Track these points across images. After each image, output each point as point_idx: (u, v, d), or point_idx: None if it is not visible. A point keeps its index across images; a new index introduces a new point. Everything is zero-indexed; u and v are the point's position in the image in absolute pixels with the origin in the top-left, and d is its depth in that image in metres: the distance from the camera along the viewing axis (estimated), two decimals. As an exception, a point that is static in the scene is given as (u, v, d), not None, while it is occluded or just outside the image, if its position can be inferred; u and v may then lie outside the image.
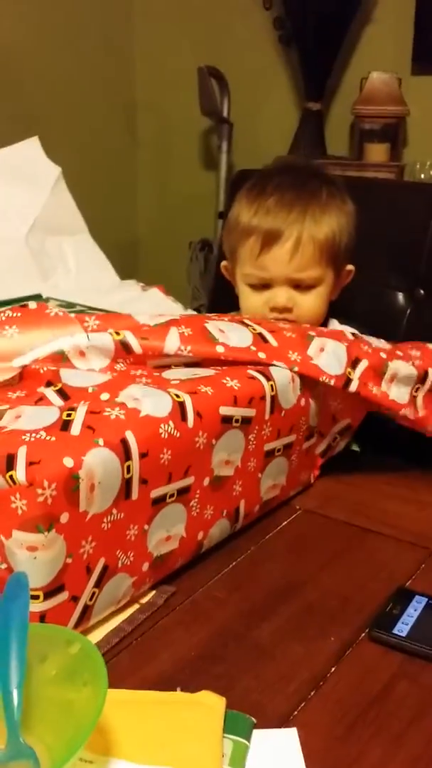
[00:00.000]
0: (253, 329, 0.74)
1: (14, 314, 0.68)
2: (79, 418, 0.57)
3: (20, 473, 0.51)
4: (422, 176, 2.04)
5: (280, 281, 0.92)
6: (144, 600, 0.60)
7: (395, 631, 0.57)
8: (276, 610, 0.60)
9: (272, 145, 2.24)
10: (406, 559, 0.67)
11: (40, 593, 0.52)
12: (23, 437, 0.54)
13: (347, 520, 0.72)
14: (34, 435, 0.54)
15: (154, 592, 0.61)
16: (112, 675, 0.51)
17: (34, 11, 2.22)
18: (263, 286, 0.93)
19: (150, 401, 0.60)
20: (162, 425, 0.59)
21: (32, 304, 0.70)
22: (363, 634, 0.57)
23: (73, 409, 0.58)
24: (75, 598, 0.55)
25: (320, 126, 2.24)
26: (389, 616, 0.58)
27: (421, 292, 1.16)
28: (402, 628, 0.57)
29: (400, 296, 1.16)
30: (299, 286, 0.93)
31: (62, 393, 0.62)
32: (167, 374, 0.68)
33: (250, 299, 0.95)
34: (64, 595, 0.54)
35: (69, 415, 0.57)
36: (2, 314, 0.68)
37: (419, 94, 2.12)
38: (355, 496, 0.77)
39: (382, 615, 0.58)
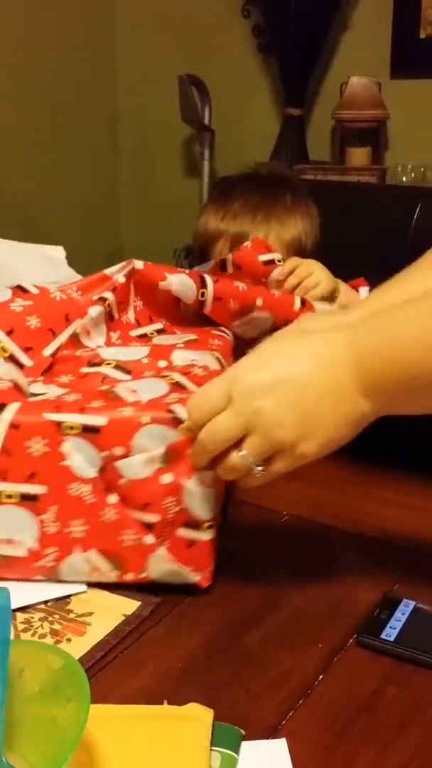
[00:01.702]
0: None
1: (26, 302, 0.69)
2: (181, 378, 0.62)
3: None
4: (404, 179, 2.05)
5: None
6: (129, 612, 0.59)
7: (383, 636, 0.56)
8: (264, 618, 0.60)
9: (254, 152, 2.24)
10: (394, 564, 0.66)
11: (213, 522, 0.60)
12: (165, 401, 0.59)
13: (335, 525, 0.72)
14: (171, 397, 0.59)
15: (139, 603, 0.60)
16: (98, 689, 0.51)
17: (14, 21, 2.22)
18: None
19: (199, 359, 0.67)
20: None
21: (33, 288, 0.71)
22: (351, 640, 0.57)
23: (163, 375, 0.63)
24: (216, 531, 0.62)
25: (301, 131, 2.25)
26: (377, 621, 0.57)
27: (404, 294, 1.16)
28: (390, 633, 0.56)
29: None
30: None
31: (121, 368, 0.65)
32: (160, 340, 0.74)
33: None
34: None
35: (171, 378, 0.63)
36: (14, 304, 0.68)
37: (399, 97, 2.13)
38: (342, 500, 0.77)
39: (370, 620, 0.58)
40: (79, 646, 0.55)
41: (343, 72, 2.17)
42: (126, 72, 2.55)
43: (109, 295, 0.72)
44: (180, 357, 0.68)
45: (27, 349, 0.67)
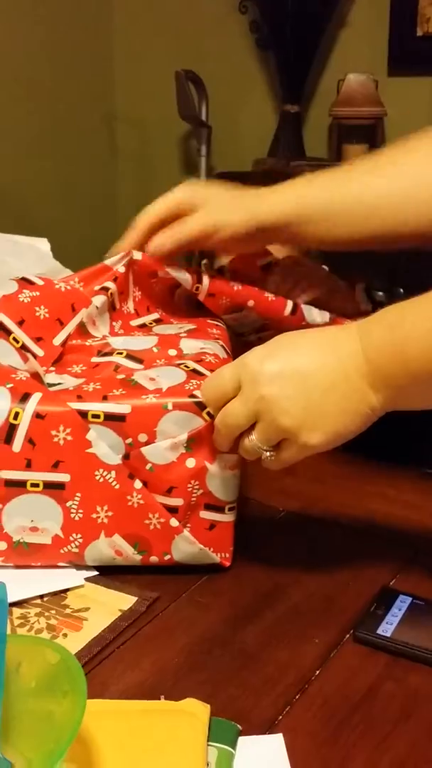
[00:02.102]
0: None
1: (33, 293, 0.69)
2: (196, 366, 0.64)
3: None
4: (401, 176, 2.05)
5: None
6: (126, 607, 0.59)
7: (379, 631, 0.56)
8: (261, 614, 0.60)
9: (251, 148, 2.24)
10: (390, 559, 0.66)
11: (234, 504, 0.64)
12: (186, 387, 0.61)
13: (330, 521, 0.72)
14: (190, 384, 0.61)
15: (136, 598, 0.60)
16: (95, 685, 0.51)
17: (11, 21, 2.21)
18: None
19: (208, 347, 0.68)
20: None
21: (38, 280, 0.71)
22: (348, 636, 0.57)
23: (177, 363, 0.64)
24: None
25: (298, 128, 2.24)
26: (373, 617, 0.57)
27: (401, 290, 1.16)
28: (386, 629, 0.56)
29: (380, 295, 1.16)
30: None
31: (133, 358, 0.66)
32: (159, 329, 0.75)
33: None
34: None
35: (186, 365, 0.64)
36: (22, 296, 0.69)
37: (396, 95, 2.13)
38: (338, 496, 0.77)
39: (366, 615, 0.58)
40: (75, 642, 0.55)
41: (341, 69, 2.17)
42: (123, 68, 2.54)
43: (111, 285, 0.73)
44: (189, 345, 0.69)
45: (37, 339, 0.68)
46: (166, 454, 0.60)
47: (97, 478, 0.60)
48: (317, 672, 0.54)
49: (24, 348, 0.67)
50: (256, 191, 0.72)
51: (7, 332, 0.66)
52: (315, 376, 0.56)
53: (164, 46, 2.44)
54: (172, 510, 0.62)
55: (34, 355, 0.67)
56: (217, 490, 0.62)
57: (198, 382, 0.62)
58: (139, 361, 0.66)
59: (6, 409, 0.60)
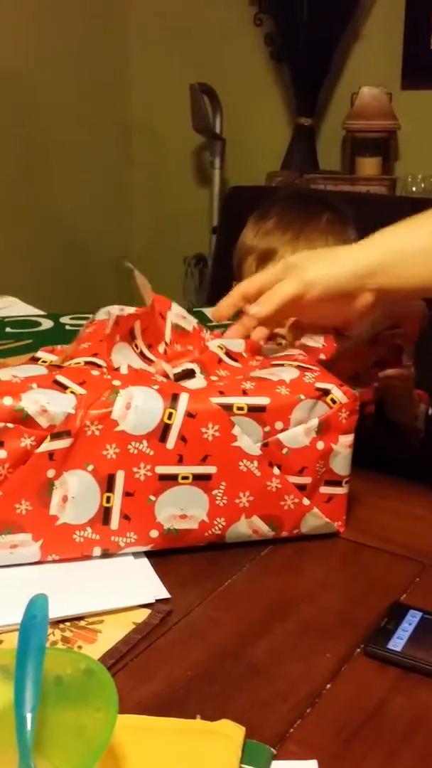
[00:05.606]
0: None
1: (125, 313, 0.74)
2: (300, 363, 0.72)
3: (338, 394, 0.69)
4: (414, 189, 2.06)
5: None
6: (139, 620, 0.60)
7: (390, 646, 0.57)
8: (272, 628, 0.60)
9: (265, 161, 2.26)
10: (401, 574, 0.67)
11: (349, 478, 0.71)
12: (305, 379, 0.69)
13: (342, 535, 0.73)
14: (306, 376, 0.69)
15: (149, 611, 0.61)
16: (108, 696, 0.51)
17: (31, 33, 2.24)
18: None
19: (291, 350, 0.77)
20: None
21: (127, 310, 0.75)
22: (358, 650, 0.58)
23: (280, 364, 0.72)
24: None
25: (312, 141, 2.26)
26: (384, 632, 0.58)
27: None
28: (397, 643, 0.57)
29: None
30: None
31: (231, 357, 0.75)
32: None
33: None
34: None
35: (291, 364, 0.72)
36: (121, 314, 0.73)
37: (409, 107, 2.14)
38: (349, 511, 0.77)
39: (377, 630, 0.58)
40: (89, 654, 0.56)
41: (354, 82, 2.18)
42: (139, 81, 2.57)
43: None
44: (269, 349, 0.77)
45: (149, 347, 0.74)
46: (301, 438, 0.68)
47: (241, 467, 0.66)
48: (328, 686, 0.54)
49: (141, 354, 0.72)
50: (343, 247, 0.78)
51: (132, 337, 0.71)
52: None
53: (179, 58, 2.46)
54: (301, 488, 0.68)
55: (150, 361, 0.72)
56: (337, 467, 0.70)
57: (313, 375, 0.69)
58: (235, 360, 0.74)
59: (160, 409, 0.64)
